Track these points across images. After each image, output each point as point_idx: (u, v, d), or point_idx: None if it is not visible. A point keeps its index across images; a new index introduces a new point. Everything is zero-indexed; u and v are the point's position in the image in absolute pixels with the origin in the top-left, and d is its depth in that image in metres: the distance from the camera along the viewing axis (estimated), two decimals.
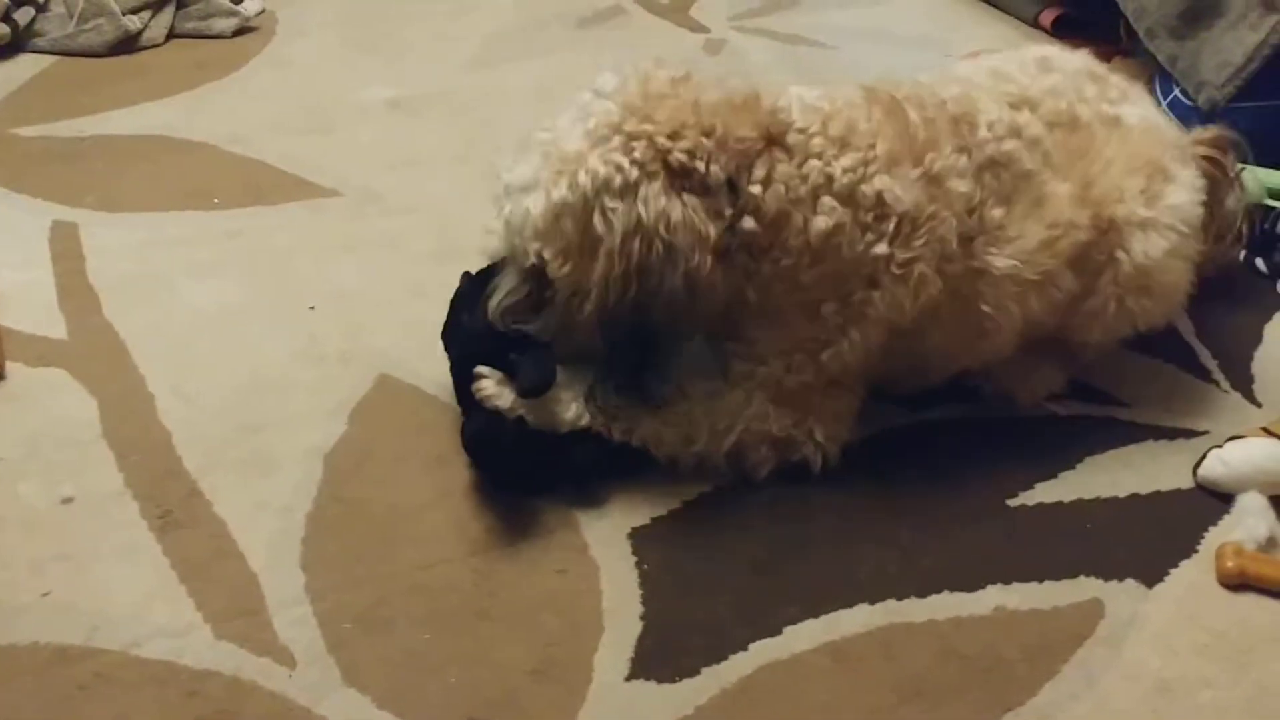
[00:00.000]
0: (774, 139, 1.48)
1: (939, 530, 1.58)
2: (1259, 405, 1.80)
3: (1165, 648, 1.44)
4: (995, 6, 2.96)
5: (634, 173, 1.42)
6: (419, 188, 2.18)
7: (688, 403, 1.58)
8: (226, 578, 1.46)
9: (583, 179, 1.43)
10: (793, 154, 1.48)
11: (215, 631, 1.40)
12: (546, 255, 1.47)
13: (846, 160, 1.48)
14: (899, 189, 1.50)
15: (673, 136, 1.43)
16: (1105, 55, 2.66)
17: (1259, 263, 2.02)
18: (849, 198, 1.49)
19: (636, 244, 1.42)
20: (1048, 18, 2.81)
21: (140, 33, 2.62)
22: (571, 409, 1.55)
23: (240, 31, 2.71)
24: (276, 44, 2.69)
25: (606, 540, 1.53)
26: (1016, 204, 1.60)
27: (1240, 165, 1.90)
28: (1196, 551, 1.57)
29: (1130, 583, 1.52)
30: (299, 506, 1.55)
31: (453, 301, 1.64)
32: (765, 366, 1.57)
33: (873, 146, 1.50)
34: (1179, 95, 2.31)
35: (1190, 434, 1.75)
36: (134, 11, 2.61)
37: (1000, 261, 1.58)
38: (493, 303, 1.54)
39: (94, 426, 1.66)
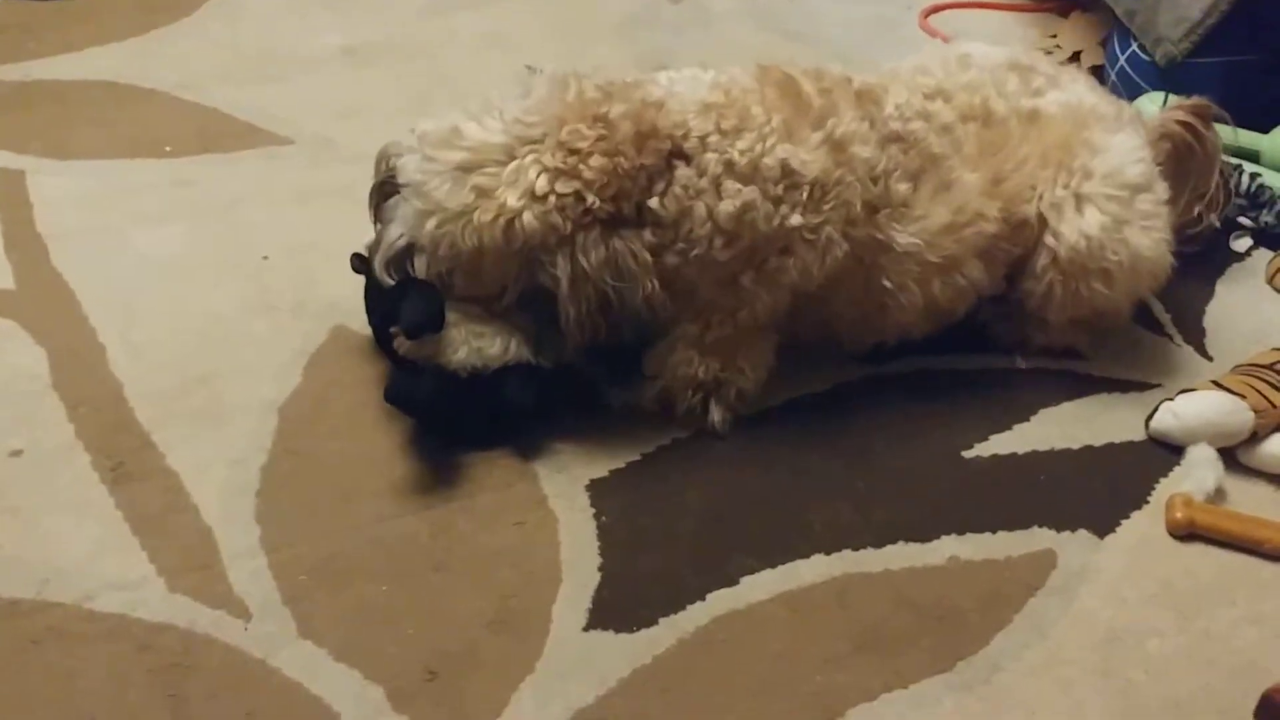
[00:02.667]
0: (674, 153, 1.52)
1: (894, 482, 1.59)
2: (1210, 359, 1.83)
3: (1115, 597, 1.47)
4: None
5: (568, 227, 1.47)
6: (372, 136, 2.10)
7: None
8: (180, 530, 1.45)
9: (516, 231, 1.47)
10: (690, 159, 1.53)
11: (169, 584, 1.39)
12: (458, 279, 1.52)
13: (743, 142, 1.52)
14: (803, 153, 1.54)
15: (600, 190, 1.47)
16: (1064, 10, 2.69)
17: (1235, 244, 2.03)
18: (752, 175, 1.52)
19: (590, 289, 1.47)
20: None
21: None
22: (461, 351, 1.54)
23: None
24: None
25: (565, 493, 1.53)
26: (923, 185, 1.63)
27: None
28: (1148, 503, 1.59)
29: (1082, 533, 1.54)
30: (253, 459, 1.54)
31: (366, 262, 1.62)
32: (680, 327, 1.60)
33: (768, 122, 1.54)
34: (1136, 50, 2.31)
35: (1143, 387, 1.77)
36: None
37: (903, 238, 1.61)
38: (386, 242, 1.55)
39: (43, 378, 1.63)
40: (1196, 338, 1.86)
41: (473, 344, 1.54)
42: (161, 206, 1.97)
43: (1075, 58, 2.50)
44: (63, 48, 2.36)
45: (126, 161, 2.07)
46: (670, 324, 1.59)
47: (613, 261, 1.48)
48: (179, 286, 1.81)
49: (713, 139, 1.52)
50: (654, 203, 1.51)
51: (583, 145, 1.48)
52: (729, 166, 1.51)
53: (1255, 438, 1.64)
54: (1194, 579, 1.50)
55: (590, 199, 1.47)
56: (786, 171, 1.53)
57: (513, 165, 1.48)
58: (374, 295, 1.62)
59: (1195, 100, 1.88)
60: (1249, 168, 2.05)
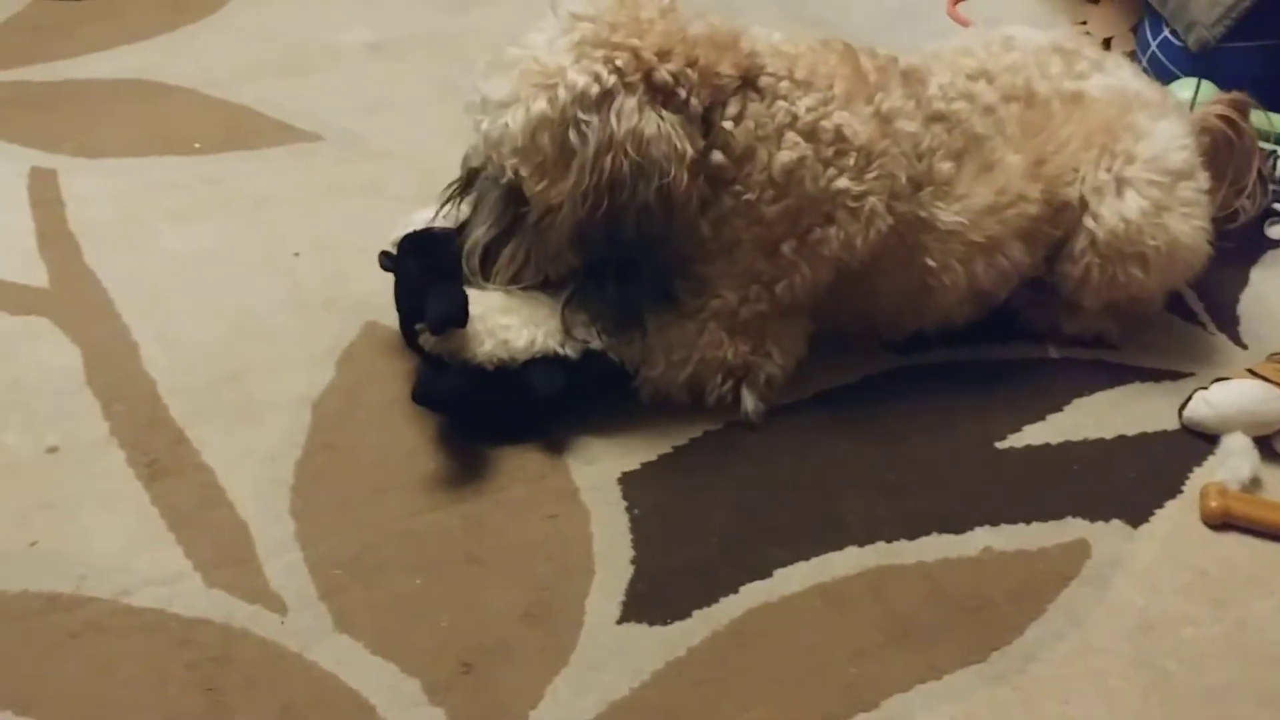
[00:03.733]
0: (748, 80, 1.52)
1: (927, 473, 1.59)
2: (1244, 347, 1.81)
3: (1149, 587, 1.46)
4: None
5: (611, 81, 1.43)
6: (400, 131, 2.16)
7: (643, 335, 1.58)
8: (215, 526, 1.46)
9: (561, 93, 1.43)
10: (764, 95, 1.52)
11: (205, 579, 1.40)
12: (524, 172, 1.48)
13: (809, 100, 1.53)
14: (856, 123, 1.54)
15: (660, 55, 1.45)
16: None
17: (1270, 231, 2.01)
18: (811, 133, 1.53)
19: (609, 159, 1.42)
20: None
21: None
22: (487, 344, 1.53)
23: None
24: None
25: (597, 485, 1.54)
26: (966, 164, 1.63)
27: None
28: (1181, 492, 1.59)
29: (1116, 523, 1.53)
30: (287, 454, 1.55)
31: (395, 260, 1.62)
32: (719, 299, 1.59)
33: (831, 87, 1.55)
34: (1169, 36, 2.29)
35: (1176, 376, 1.76)
36: None
37: (946, 216, 1.61)
38: (477, 232, 1.54)
39: (78, 375, 1.64)
40: (1230, 326, 1.85)
41: (498, 336, 1.54)
42: (192, 203, 1.98)
43: (1106, 44, 2.48)
44: (92, 47, 2.37)
45: (156, 159, 2.08)
46: (703, 282, 1.57)
47: (643, 133, 1.42)
48: (211, 283, 1.82)
49: (784, 85, 1.52)
50: (728, 124, 1.49)
51: (647, 16, 1.45)
52: (793, 119, 1.52)
53: None
54: (1229, 568, 1.49)
55: (647, 56, 1.43)
56: (839, 136, 1.53)
57: (563, 39, 1.45)
58: (402, 292, 1.62)
59: (1233, 94, 1.87)
60: None
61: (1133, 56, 2.38)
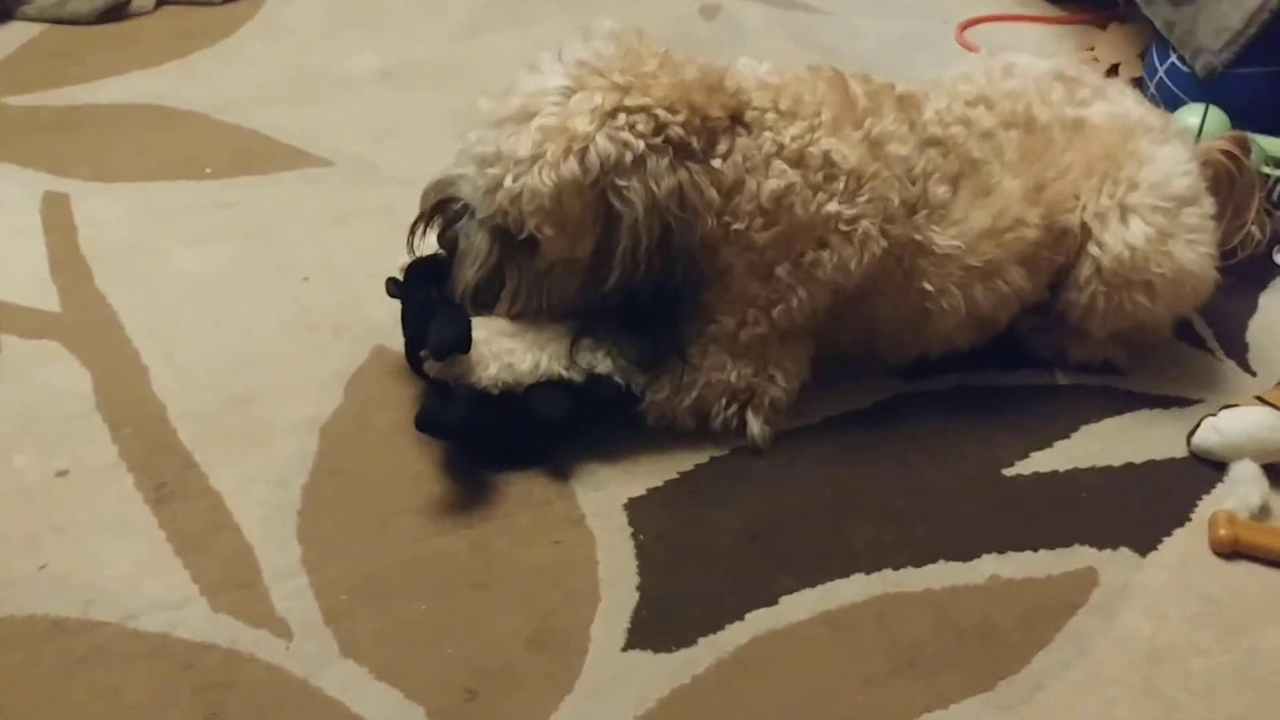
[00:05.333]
0: (735, 118, 1.54)
1: (934, 500, 1.58)
2: (1254, 374, 1.81)
3: (1157, 616, 1.45)
4: None
5: (640, 146, 1.46)
6: (411, 158, 2.16)
7: (686, 364, 1.59)
8: (222, 550, 1.46)
9: (593, 159, 1.45)
10: (750, 129, 1.55)
11: (212, 604, 1.40)
12: (546, 230, 1.49)
13: (795, 129, 1.55)
14: (845, 148, 1.56)
15: (670, 110, 1.48)
16: (1101, 21, 2.68)
17: (1278, 257, 2.00)
18: (799, 160, 1.54)
19: (656, 219, 1.47)
20: None
21: (129, 0, 2.59)
22: (491, 368, 1.54)
23: (230, 0, 2.67)
24: (266, 12, 2.65)
25: (602, 511, 1.54)
26: (962, 188, 1.63)
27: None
28: (1190, 520, 1.58)
29: (1124, 551, 1.53)
30: (294, 479, 1.55)
31: (402, 286, 1.63)
32: (716, 324, 1.60)
33: (818, 114, 1.57)
34: (1176, 62, 2.29)
35: (1185, 402, 1.76)
36: None
37: (941, 240, 1.62)
38: (466, 274, 1.56)
39: (88, 399, 1.65)
40: (1239, 352, 1.84)
41: (503, 360, 1.55)
42: (203, 228, 1.99)
43: (1113, 70, 2.48)
44: (105, 73, 2.39)
45: (168, 184, 2.09)
46: (701, 309, 1.59)
47: (681, 191, 1.48)
48: (221, 307, 1.83)
49: (769, 117, 1.55)
50: (717, 163, 1.52)
51: (649, 69, 1.49)
52: (780, 148, 1.54)
53: None
54: (1238, 597, 1.48)
55: (663, 116, 1.47)
56: (827, 161, 1.55)
57: (577, 96, 1.47)
58: (408, 318, 1.63)
59: (1235, 132, 1.88)
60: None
61: (1140, 83, 2.38)
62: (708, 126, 1.51)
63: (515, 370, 1.55)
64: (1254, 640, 1.44)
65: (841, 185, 1.55)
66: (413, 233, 1.63)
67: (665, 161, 1.47)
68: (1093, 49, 2.59)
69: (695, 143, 1.50)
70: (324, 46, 2.53)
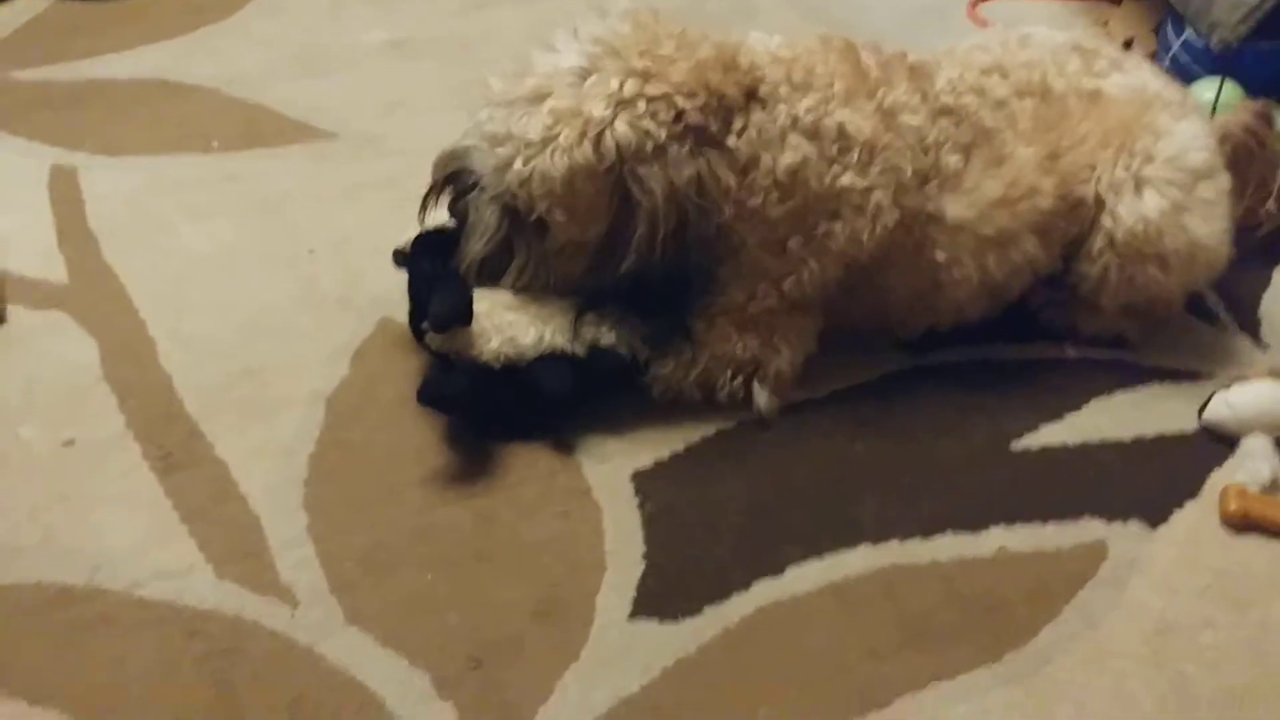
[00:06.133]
0: (750, 94, 1.52)
1: (942, 473, 1.57)
2: (1266, 348, 1.79)
3: (1167, 588, 1.45)
4: None
5: (661, 135, 1.45)
6: (418, 130, 2.15)
7: (691, 343, 1.59)
8: (228, 519, 1.46)
9: (609, 146, 1.44)
10: (764, 104, 1.53)
11: (217, 572, 1.40)
12: (557, 215, 1.48)
13: (809, 100, 1.53)
14: (859, 119, 1.54)
15: (688, 95, 1.46)
16: None
17: None
18: (813, 132, 1.53)
19: (674, 206, 1.45)
20: None
21: None
22: (494, 341, 1.53)
23: None
24: None
25: (609, 483, 1.53)
26: (975, 157, 1.61)
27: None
28: (1200, 494, 1.56)
29: (1134, 524, 1.52)
30: (300, 449, 1.55)
31: (408, 259, 1.63)
32: (725, 295, 1.59)
33: (831, 85, 1.55)
34: (1190, 37, 2.27)
35: (1195, 376, 1.74)
36: None
37: (954, 209, 1.60)
38: (474, 247, 1.55)
39: (95, 369, 1.65)
40: (1252, 326, 1.83)
41: (506, 334, 1.54)
42: (210, 201, 1.98)
43: (1127, 45, 2.46)
44: (114, 47, 2.39)
45: (175, 157, 2.09)
46: (711, 283, 1.58)
47: (700, 179, 1.46)
48: (227, 280, 1.82)
49: (783, 90, 1.53)
50: (731, 140, 1.50)
51: (667, 52, 1.47)
52: (794, 121, 1.52)
53: None
54: (1248, 570, 1.48)
55: (681, 103, 1.45)
56: (841, 133, 1.53)
57: (592, 78, 1.45)
58: (413, 290, 1.62)
59: (1256, 101, 1.85)
60: None
61: (1154, 57, 2.36)
62: (724, 105, 1.49)
63: (518, 344, 1.54)
64: (1264, 613, 1.43)
65: (855, 157, 1.53)
66: (424, 204, 1.62)
67: (685, 149, 1.45)
68: (1106, 23, 2.57)
69: (712, 125, 1.48)
70: (332, 21, 2.52)
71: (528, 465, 1.55)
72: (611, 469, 1.55)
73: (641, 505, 1.50)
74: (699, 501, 1.52)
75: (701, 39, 1.53)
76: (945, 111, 1.61)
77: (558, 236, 1.52)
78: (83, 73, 2.31)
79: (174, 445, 1.55)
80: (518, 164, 1.46)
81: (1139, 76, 1.74)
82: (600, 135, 1.44)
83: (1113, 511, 1.53)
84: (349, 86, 2.29)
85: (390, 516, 1.48)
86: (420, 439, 1.57)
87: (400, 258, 1.64)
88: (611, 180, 1.46)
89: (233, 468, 1.52)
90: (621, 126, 1.44)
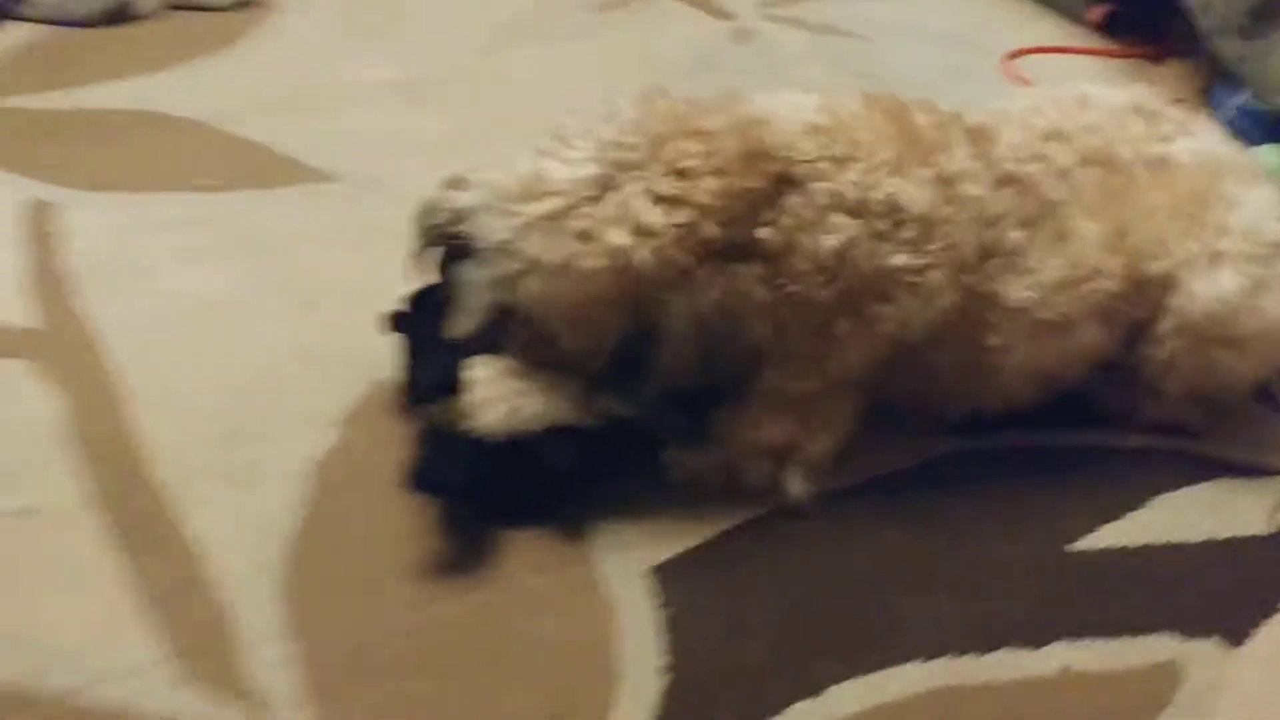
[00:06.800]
0: (781, 178, 1.39)
1: (995, 576, 1.43)
2: None
3: (1257, 718, 1.30)
4: (1039, 2, 2.81)
5: (685, 262, 1.33)
6: (421, 176, 1.99)
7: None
8: (196, 608, 1.31)
9: (630, 273, 1.32)
10: (799, 185, 1.39)
11: (181, 671, 1.25)
12: (568, 340, 1.38)
13: (852, 174, 1.39)
14: (912, 188, 1.40)
15: (716, 217, 1.34)
16: (1156, 56, 2.55)
17: None
18: (859, 209, 1.39)
19: (701, 329, 1.35)
20: (1096, 13, 2.67)
21: (131, 2, 2.48)
22: (493, 413, 1.38)
23: (239, 6, 2.57)
24: (275, 19, 2.55)
25: (624, 576, 1.39)
26: (1038, 233, 1.49)
27: None
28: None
29: (1211, 641, 1.37)
30: (281, 528, 1.41)
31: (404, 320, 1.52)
32: (759, 378, 1.45)
33: (878, 152, 1.41)
34: (1243, 101, 2.17)
35: (1264, 470, 1.61)
36: None
37: (1014, 291, 1.47)
38: (466, 325, 1.41)
39: (61, 427, 1.51)
40: None
41: (511, 402, 1.39)
42: (196, 243, 1.86)
43: None
44: (104, 76, 2.29)
45: (163, 195, 1.97)
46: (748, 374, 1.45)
47: (728, 299, 1.35)
48: (211, 330, 1.70)
49: (823, 165, 1.39)
50: (763, 233, 1.37)
51: (691, 164, 1.34)
52: (837, 198, 1.38)
53: None
54: None
55: (708, 231, 1.33)
56: (893, 207, 1.39)
57: (614, 198, 1.33)
58: (405, 355, 1.50)
59: None
60: None
61: None
62: (750, 203, 1.36)
63: (521, 415, 1.39)
64: None
65: (910, 233, 1.40)
66: (414, 260, 1.49)
67: (711, 269, 1.34)
68: (1151, 86, 2.46)
69: (738, 234, 1.35)
70: (334, 57, 2.43)
71: (533, 554, 1.40)
72: (626, 561, 1.40)
73: (662, 604, 1.35)
74: (726, 603, 1.37)
75: (726, 127, 1.38)
76: (1008, 180, 1.48)
77: (565, 346, 1.39)
78: (74, 101, 2.21)
79: (140, 519, 1.40)
80: (531, 285, 1.35)
81: (1207, 139, 1.62)
82: (623, 265, 1.32)
83: (1186, 625, 1.38)
84: (350, 127, 2.19)
85: (380, 610, 1.33)
86: (415, 518, 1.42)
87: (393, 320, 1.50)
88: (632, 303, 1.35)
89: (205, 547, 1.38)
90: (645, 256, 1.32)
